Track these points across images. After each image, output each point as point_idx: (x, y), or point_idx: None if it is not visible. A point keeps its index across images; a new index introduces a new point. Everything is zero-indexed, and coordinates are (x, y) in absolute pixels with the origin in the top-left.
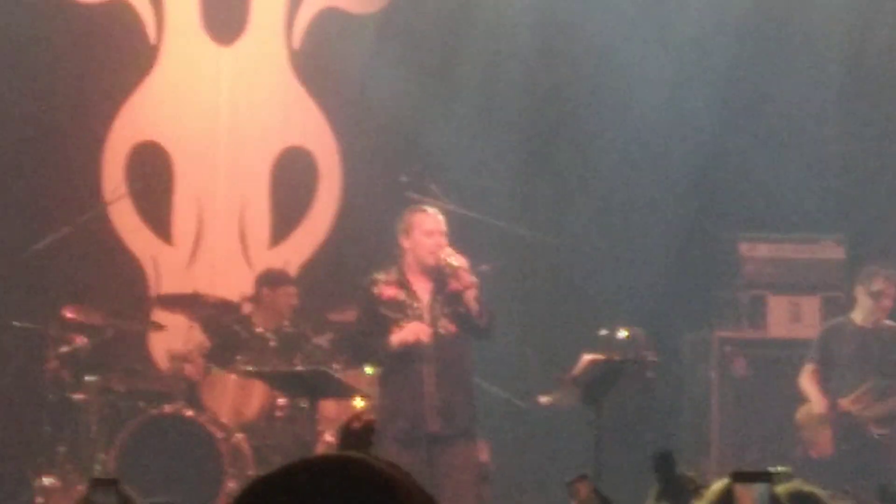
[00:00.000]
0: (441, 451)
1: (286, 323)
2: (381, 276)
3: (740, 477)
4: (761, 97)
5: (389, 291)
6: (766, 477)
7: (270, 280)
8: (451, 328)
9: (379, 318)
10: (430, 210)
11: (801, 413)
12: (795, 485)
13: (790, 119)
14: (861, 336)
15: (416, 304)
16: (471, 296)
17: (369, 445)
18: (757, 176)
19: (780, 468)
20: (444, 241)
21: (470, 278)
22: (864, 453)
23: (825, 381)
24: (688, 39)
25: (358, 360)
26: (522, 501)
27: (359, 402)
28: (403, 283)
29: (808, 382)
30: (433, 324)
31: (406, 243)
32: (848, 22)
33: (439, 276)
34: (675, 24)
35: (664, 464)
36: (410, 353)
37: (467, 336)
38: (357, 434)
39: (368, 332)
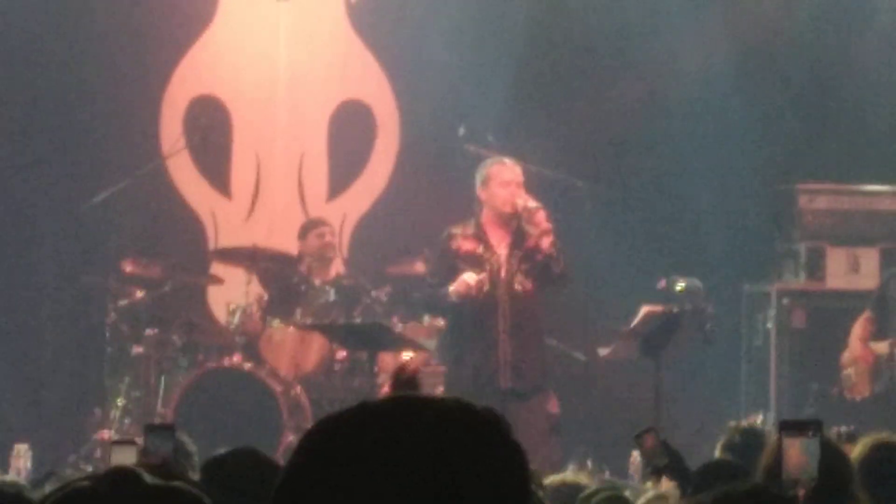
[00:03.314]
0: (512, 405)
1: (341, 272)
2: (458, 230)
3: (788, 426)
4: (822, 55)
5: (467, 245)
6: (817, 426)
7: (301, 232)
8: (527, 285)
9: (456, 272)
10: (508, 161)
11: (844, 355)
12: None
13: (850, 74)
14: None
15: (493, 259)
16: (548, 241)
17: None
18: (816, 127)
19: (843, 428)
20: (520, 191)
21: (547, 223)
22: (893, 397)
23: (877, 325)
24: None
25: (430, 312)
26: (583, 452)
27: (407, 354)
28: (481, 237)
29: (857, 326)
30: (509, 279)
31: (483, 195)
32: None
33: (517, 230)
34: None
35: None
36: (484, 308)
37: (541, 292)
38: (405, 383)
39: (443, 285)
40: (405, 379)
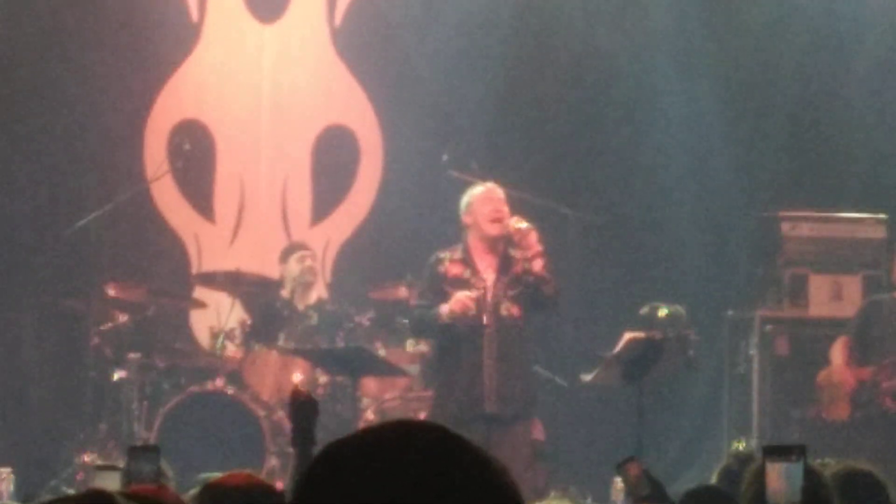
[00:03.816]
0: (497, 431)
1: (324, 297)
2: (445, 255)
3: (771, 451)
4: (806, 83)
5: (455, 269)
6: (800, 451)
7: (282, 256)
8: (514, 311)
9: (444, 295)
10: (489, 184)
11: (822, 375)
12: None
13: (834, 102)
14: None
15: (480, 284)
16: (539, 263)
17: (315, 418)
18: (799, 154)
19: (823, 461)
20: (504, 208)
21: (539, 245)
22: (878, 424)
23: (856, 351)
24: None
25: (419, 334)
26: (565, 479)
27: (296, 377)
28: (468, 262)
29: (836, 348)
30: (495, 305)
31: (468, 219)
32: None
33: (504, 256)
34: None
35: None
36: (471, 334)
37: (528, 318)
38: (303, 405)
39: (432, 308)
40: (301, 402)
